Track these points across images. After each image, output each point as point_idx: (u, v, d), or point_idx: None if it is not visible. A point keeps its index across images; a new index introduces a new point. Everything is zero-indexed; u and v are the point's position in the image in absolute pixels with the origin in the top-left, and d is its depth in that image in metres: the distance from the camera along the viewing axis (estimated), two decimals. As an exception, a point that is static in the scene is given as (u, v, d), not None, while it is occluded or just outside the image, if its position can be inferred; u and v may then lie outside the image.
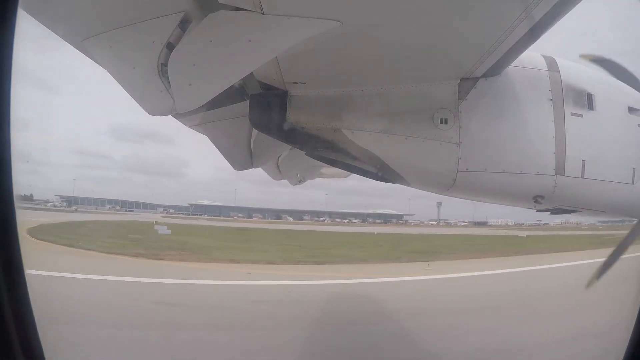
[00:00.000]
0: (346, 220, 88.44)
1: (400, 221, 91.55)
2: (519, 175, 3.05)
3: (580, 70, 3.42)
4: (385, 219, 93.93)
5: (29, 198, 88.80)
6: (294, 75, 2.98)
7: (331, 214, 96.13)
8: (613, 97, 3.38)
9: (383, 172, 3.23)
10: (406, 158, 3.14)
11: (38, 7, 2.14)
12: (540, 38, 2.51)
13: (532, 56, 3.23)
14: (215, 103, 3.29)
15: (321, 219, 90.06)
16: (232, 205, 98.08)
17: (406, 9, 2.18)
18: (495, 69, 2.93)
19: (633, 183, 3.23)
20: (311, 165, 5.98)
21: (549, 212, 3.61)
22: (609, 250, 3.77)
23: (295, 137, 3.21)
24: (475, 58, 2.76)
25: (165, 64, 2.20)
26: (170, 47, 2.20)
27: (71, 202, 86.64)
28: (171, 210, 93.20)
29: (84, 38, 2.31)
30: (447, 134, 3.02)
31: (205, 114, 3.91)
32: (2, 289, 1.53)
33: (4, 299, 1.53)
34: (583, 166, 3.10)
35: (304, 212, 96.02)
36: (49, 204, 77.85)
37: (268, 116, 3.19)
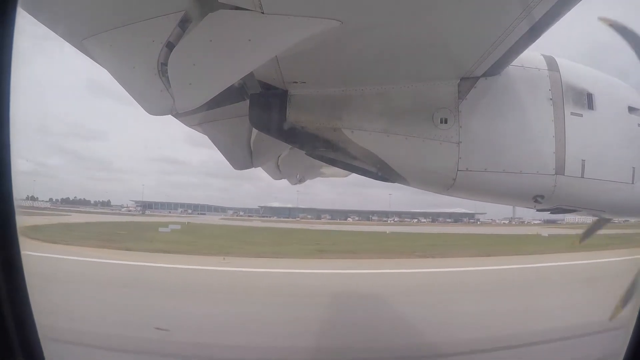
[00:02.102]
0: (415, 220, 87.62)
1: (471, 220, 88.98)
2: (518, 174, 3.05)
3: (580, 69, 3.42)
4: (456, 218, 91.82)
5: (106, 204, 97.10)
6: (293, 74, 2.98)
7: (401, 214, 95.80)
8: (613, 97, 3.38)
9: (383, 172, 3.23)
10: (406, 158, 3.13)
11: (38, 7, 2.13)
12: (540, 37, 2.51)
13: (532, 56, 3.23)
14: (215, 103, 3.28)
15: (389, 219, 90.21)
16: (302, 207, 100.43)
17: (406, 9, 2.18)
18: (495, 69, 2.93)
19: (633, 183, 3.23)
20: (311, 165, 5.98)
21: (549, 212, 3.61)
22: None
23: (295, 137, 3.21)
24: (475, 57, 2.76)
25: (165, 64, 2.19)
26: (170, 46, 2.19)
27: (145, 206, 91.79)
28: (241, 213, 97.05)
29: (84, 38, 2.30)
30: (447, 133, 3.01)
31: (205, 114, 3.91)
32: (2, 289, 1.53)
33: (4, 299, 1.53)
34: (583, 166, 3.10)
35: (372, 213, 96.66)
36: (122, 209, 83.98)
37: (268, 116, 3.19)
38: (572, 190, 3.15)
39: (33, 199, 72.49)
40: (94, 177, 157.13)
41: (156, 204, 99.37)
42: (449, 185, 3.11)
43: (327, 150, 3.21)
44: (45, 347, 1.69)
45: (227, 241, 25.12)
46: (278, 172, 5.96)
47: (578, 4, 2.17)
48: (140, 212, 77.00)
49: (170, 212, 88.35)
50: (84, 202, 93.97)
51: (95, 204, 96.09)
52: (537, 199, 3.18)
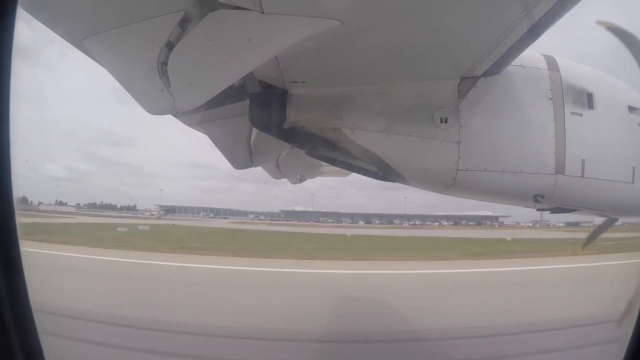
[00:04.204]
0: (436, 224, 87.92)
1: (494, 223, 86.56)
2: (518, 174, 3.05)
3: (580, 69, 3.42)
4: (479, 221, 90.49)
5: (132, 208, 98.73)
6: (294, 74, 2.98)
7: (423, 217, 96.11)
8: (613, 96, 3.38)
9: (383, 171, 3.23)
10: (406, 157, 3.14)
11: (38, 7, 2.13)
12: (541, 37, 2.50)
13: (532, 55, 3.23)
14: (215, 102, 3.28)
15: (410, 222, 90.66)
16: (324, 210, 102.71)
17: (406, 9, 2.17)
18: (495, 68, 2.93)
19: (633, 182, 3.23)
20: (311, 164, 5.99)
21: (549, 212, 3.61)
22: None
23: (295, 136, 3.21)
24: (475, 57, 2.75)
25: (165, 63, 2.19)
26: (170, 46, 2.18)
27: (168, 210, 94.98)
28: (262, 217, 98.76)
29: (84, 37, 2.30)
30: (447, 133, 3.01)
31: (205, 113, 3.91)
32: (2, 289, 1.53)
33: (3, 299, 1.53)
34: (583, 165, 3.10)
35: (394, 216, 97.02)
36: (146, 213, 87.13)
37: (268, 115, 3.19)
38: (572, 190, 3.15)
39: (62, 203, 77.94)
40: (124, 182, 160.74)
41: (179, 208, 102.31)
42: (449, 184, 3.12)
43: (327, 149, 3.21)
44: (45, 347, 1.69)
45: (147, 240, 26.17)
46: (278, 171, 5.96)
47: (578, 4, 2.17)
48: (157, 217, 79.35)
49: (193, 216, 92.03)
50: (110, 207, 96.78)
51: (121, 208, 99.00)
52: (537, 199, 3.18)
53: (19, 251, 1.60)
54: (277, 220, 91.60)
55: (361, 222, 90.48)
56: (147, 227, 36.21)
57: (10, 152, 1.53)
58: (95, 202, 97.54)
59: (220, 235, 35.01)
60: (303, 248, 24.98)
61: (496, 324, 7.40)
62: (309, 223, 78.06)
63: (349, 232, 44.84)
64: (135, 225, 36.82)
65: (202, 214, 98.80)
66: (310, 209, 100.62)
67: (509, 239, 32.91)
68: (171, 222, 52.95)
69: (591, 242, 4.71)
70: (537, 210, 3.59)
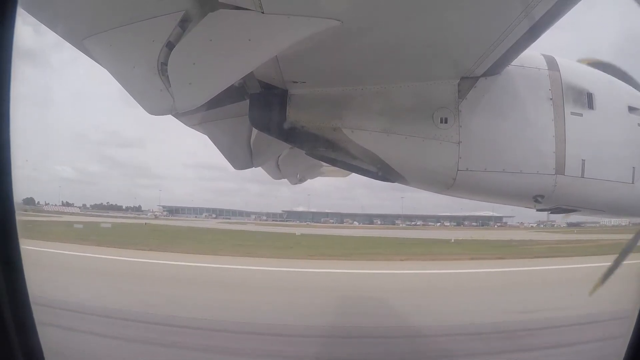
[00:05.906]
0: (439, 224, 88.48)
1: (498, 223, 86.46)
2: (518, 174, 3.05)
3: (580, 69, 3.42)
4: (483, 221, 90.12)
5: (137, 209, 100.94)
6: (293, 74, 2.98)
7: (425, 218, 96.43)
8: (613, 96, 3.38)
9: (383, 172, 3.23)
10: (406, 157, 3.14)
11: (38, 6, 2.13)
12: (541, 37, 2.51)
13: (532, 55, 3.23)
14: (215, 102, 3.28)
15: (412, 222, 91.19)
16: (327, 211, 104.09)
17: (406, 9, 2.18)
18: (495, 68, 2.93)
19: (633, 182, 3.23)
20: (311, 165, 6.00)
21: (549, 212, 3.61)
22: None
23: (295, 136, 3.21)
24: (475, 57, 2.76)
25: (165, 63, 2.19)
26: (170, 46, 2.19)
27: (171, 211, 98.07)
28: (264, 217, 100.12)
29: (84, 37, 2.30)
30: (447, 133, 3.01)
31: (205, 114, 3.91)
32: (2, 289, 1.53)
33: (3, 299, 1.53)
34: (583, 165, 3.10)
35: (397, 217, 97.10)
36: (149, 214, 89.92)
37: (268, 115, 3.19)
38: (572, 190, 3.15)
39: (68, 204, 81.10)
40: (135, 184, 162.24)
41: (182, 208, 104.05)
42: (449, 185, 3.12)
43: (327, 149, 3.21)
44: (45, 347, 1.69)
45: (80, 234, 27.95)
46: (278, 171, 5.96)
47: (578, 4, 2.17)
48: (156, 217, 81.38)
49: (196, 217, 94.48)
50: (116, 208, 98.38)
51: (127, 209, 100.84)
52: (537, 199, 3.18)
53: (19, 250, 1.60)
54: (279, 220, 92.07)
55: (355, 222, 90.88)
56: (109, 225, 38.98)
57: (10, 153, 1.53)
58: (101, 203, 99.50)
59: (171, 233, 36.63)
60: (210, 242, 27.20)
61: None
62: (305, 223, 78.25)
63: (298, 231, 44.43)
64: (99, 224, 39.51)
65: (204, 215, 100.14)
66: (313, 210, 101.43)
67: (452, 240, 33.01)
68: (170, 222, 54.01)
69: (604, 283, 4.40)
70: (537, 210, 3.59)
